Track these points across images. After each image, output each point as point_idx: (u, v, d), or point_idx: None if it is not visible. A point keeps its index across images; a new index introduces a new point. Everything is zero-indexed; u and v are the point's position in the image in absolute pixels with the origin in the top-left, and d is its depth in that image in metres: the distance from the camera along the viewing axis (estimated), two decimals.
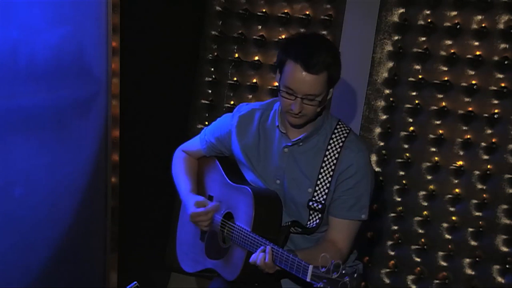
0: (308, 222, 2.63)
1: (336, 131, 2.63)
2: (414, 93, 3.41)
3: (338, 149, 2.60)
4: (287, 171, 2.65)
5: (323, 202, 2.59)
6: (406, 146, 3.44)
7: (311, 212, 2.61)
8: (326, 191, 2.59)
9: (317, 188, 2.60)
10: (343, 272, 2.12)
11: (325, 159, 2.60)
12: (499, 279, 3.33)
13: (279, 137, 2.68)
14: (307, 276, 2.21)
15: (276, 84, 3.57)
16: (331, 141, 2.62)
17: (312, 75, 2.43)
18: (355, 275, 2.13)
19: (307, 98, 2.47)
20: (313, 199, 2.60)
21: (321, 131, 2.63)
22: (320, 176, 2.60)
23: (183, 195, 2.83)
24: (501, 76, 3.29)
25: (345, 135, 2.62)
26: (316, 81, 2.44)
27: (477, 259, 3.35)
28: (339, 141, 2.61)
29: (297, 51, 2.45)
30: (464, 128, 3.35)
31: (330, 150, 2.61)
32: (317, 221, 2.61)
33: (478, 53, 3.31)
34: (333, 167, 2.59)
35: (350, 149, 2.59)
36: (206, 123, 3.63)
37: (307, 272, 2.21)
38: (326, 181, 2.60)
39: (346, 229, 2.61)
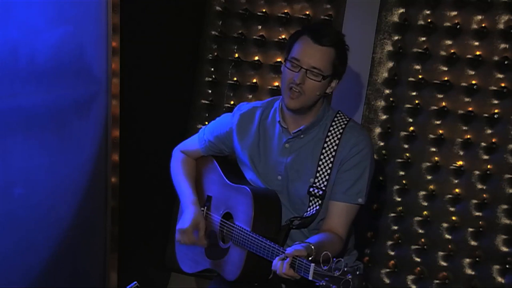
0: (308, 209, 2.63)
1: (336, 119, 2.66)
2: (414, 93, 3.41)
3: (338, 136, 2.62)
4: (288, 166, 2.66)
5: (323, 188, 2.59)
6: (406, 146, 3.44)
7: (311, 198, 2.61)
8: (327, 177, 2.60)
9: (317, 175, 2.61)
10: (345, 269, 2.12)
11: (325, 145, 2.62)
12: (499, 279, 3.32)
13: (280, 133, 2.69)
14: (309, 275, 2.21)
15: (276, 84, 3.59)
16: (331, 128, 2.64)
17: (319, 46, 2.53)
18: (358, 272, 2.13)
19: (311, 72, 2.52)
20: (314, 185, 2.60)
21: (321, 123, 2.65)
22: (320, 163, 2.61)
23: (184, 202, 2.81)
24: (501, 76, 3.29)
25: (345, 122, 2.65)
26: (323, 53, 2.53)
27: (477, 259, 3.35)
28: (339, 127, 2.63)
29: (308, 27, 2.64)
30: (464, 128, 3.35)
31: (330, 137, 2.62)
32: (317, 207, 2.61)
33: (478, 53, 3.31)
34: (333, 154, 2.60)
35: (351, 133, 2.62)
36: (206, 123, 3.61)
37: (309, 270, 2.21)
38: (327, 167, 2.60)
39: (343, 214, 2.60)
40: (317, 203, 2.61)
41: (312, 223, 2.65)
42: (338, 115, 2.68)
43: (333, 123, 2.65)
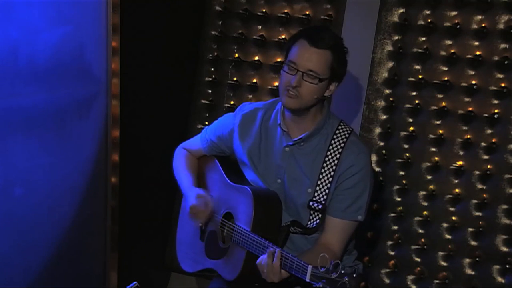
0: (309, 222, 2.63)
1: (337, 131, 2.64)
2: (414, 93, 3.41)
3: (340, 150, 2.60)
4: (287, 171, 2.65)
5: (323, 202, 2.59)
6: (406, 146, 3.44)
7: (311, 212, 2.61)
8: (327, 191, 2.59)
9: (317, 188, 2.60)
10: (342, 272, 2.12)
11: (326, 159, 2.60)
12: (499, 279, 3.33)
13: (281, 136, 2.68)
14: (306, 276, 2.21)
15: (276, 84, 3.59)
16: (333, 142, 2.62)
17: (315, 49, 2.51)
18: (355, 275, 2.13)
19: (308, 75, 2.51)
20: (314, 199, 2.60)
21: (323, 131, 2.64)
22: (320, 177, 2.60)
23: (185, 188, 2.84)
24: (501, 76, 3.29)
25: (347, 135, 2.63)
26: (319, 56, 2.51)
27: (477, 259, 3.35)
28: (341, 141, 2.62)
29: (305, 30, 2.63)
30: (464, 128, 3.35)
31: (332, 151, 2.61)
32: (317, 221, 2.61)
33: (478, 53, 3.31)
34: (334, 168, 2.59)
35: (351, 150, 2.60)
36: (206, 123, 3.63)
37: (306, 272, 2.21)
38: (327, 181, 2.60)
39: (341, 230, 2.60)
40: (317, 217, 2.61)
41: (313, 234, 2.65)
42: (340, 126, 2.65)
43: (335, 136, 2.63)
